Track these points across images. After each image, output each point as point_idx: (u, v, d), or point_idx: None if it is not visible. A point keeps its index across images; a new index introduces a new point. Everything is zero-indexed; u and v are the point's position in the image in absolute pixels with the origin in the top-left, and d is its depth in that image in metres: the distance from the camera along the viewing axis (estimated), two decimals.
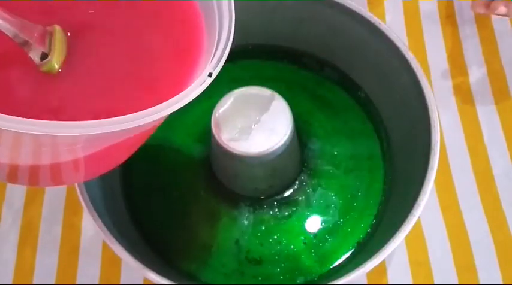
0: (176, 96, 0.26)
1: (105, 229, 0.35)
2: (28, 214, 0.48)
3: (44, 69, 0.27)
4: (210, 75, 0.28)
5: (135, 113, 0.24)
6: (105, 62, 0.29)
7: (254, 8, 0.46)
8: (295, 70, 0.50)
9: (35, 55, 0.26)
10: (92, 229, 0.47)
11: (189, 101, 0.26)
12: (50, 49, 0.27)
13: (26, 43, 0.26)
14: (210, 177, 0.46)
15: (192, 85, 0.27)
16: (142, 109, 0.25)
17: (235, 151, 0.38)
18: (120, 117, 0.24)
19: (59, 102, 0.27)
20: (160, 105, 0.25)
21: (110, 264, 0.45)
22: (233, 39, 0.29)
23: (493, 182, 0.47)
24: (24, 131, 0.21)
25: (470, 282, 0.44)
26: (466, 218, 0.46)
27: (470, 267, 0.44)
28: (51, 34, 0.27)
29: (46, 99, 0.27)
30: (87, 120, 0.23)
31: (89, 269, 0.45)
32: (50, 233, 0.47)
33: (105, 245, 0.46)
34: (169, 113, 0.25)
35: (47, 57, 0.27)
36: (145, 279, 0.45)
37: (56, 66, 0.27)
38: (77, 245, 0.46)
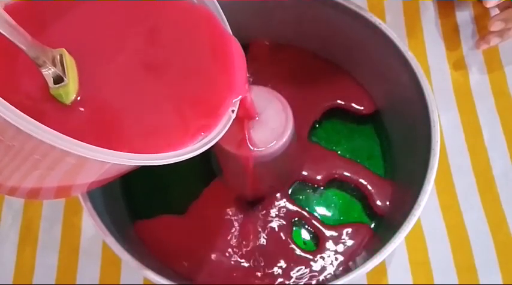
0: (208, 136, 0.28)
1: (105, 229, 0.35)
2: (28, 214, 0.48)
3: (59, 92, 0.26)
4: (232, 111, 0.30)
5: (177, 151, 0.27)
6: (116, 92, 0.29)
7: (254, 8, 0.46)
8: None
9: (49, 78, 0.26)
10: (92, 229, 0.47)
11: (219, 138, 0.29)
12: (63, 72, 0.26)
13: (43, 64, 0.25)
14: (210, 177, 0.46)
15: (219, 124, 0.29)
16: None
17: (235, 151, 0.38)
18: (165, 154, 0.26)
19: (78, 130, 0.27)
20: (197, 144, 0.27)
21: (110, 264, 0.45)
22: None
23: (493, 182, 0.47)
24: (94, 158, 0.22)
25: (470, 282, 0.44)
26: (466, 218, 0.46)
27: (470, 267, 0.44)
28: (60, 57, 0.27)
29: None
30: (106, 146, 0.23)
31: (89, 269, 0.45)
32: (50, 233, 0.47)
33: (105, 245, 0.46)
34: (204, 150, 0.28)
35: (61, 81, 0.26)
36: (145, 279, 0.44)
37: (73, 93, 0.27)
38: (77, 245, 0.46)
